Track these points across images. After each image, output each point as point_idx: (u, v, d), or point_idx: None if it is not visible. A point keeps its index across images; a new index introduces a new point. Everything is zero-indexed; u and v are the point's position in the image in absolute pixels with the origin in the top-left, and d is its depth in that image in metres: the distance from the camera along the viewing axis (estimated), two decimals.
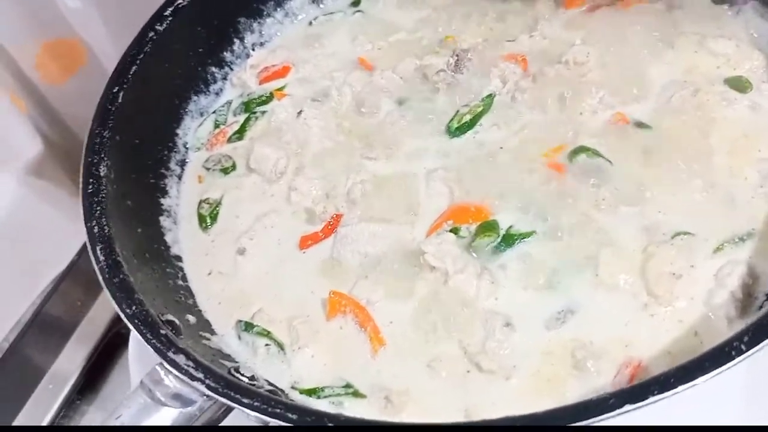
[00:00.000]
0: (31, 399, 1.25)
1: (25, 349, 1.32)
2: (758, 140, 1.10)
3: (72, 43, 1.50)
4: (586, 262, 1.01)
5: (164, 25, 1.23)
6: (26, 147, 1.38)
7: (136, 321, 0.88)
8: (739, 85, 1.17)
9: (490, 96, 1.21)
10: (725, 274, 0.97)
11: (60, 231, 1.27)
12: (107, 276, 0.93)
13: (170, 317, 0.94)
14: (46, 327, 1.35)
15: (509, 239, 1.04)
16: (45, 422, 1.24)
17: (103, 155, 1.07)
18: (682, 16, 1.30)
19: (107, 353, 1.37)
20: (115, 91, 1.14)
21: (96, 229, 0.99)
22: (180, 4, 1.25)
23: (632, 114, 1.15)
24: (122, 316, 0.89)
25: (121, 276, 0.94)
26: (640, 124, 1.14)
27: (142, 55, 1.19)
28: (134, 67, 1.17)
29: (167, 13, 1.24)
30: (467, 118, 1.19)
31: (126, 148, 1.12)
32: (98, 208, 1.01)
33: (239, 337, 1.02)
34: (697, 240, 1.01)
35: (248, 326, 1.01)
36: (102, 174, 1.05)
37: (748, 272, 0.96)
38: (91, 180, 1.04)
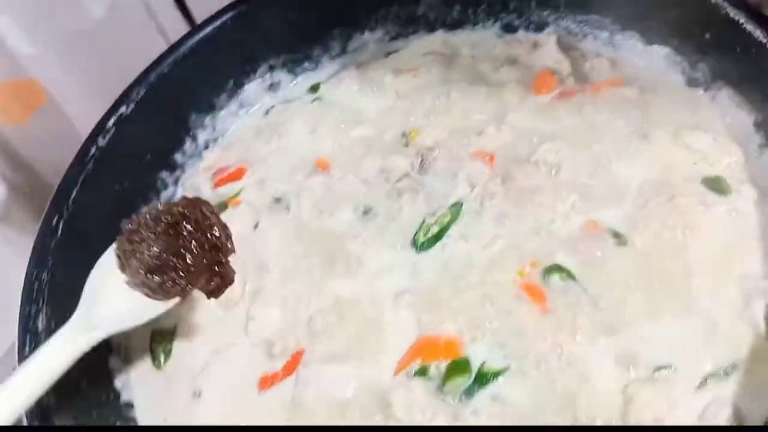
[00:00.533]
0: None
1: None
2: (740, 251, 1.05)
3: (29, 83, 1.44)
4: (564, 405, 0.95)
5: (107, 138, 1.14)
6: None
7: None
8: (718, 187, 1.11)
9: (458, 204, 1.14)
10: (711, 416, 0.91)
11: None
12: None
13: None
14: None
15: (482, 378, 0.98)
16: None
17: (41, 303, 0.99)
18: (655, 101, 1.24)
19: None
20: (53, 223, 1.05)
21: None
22: (123, 113, 1.16)
23: (606, 221, 1.10)
24: None
25: None
26: (615, 235, 1.08)
27: (82, 177, 1.10)
28: (74, 193, 1.09)
29: (109, 124, 1.15)
30: (434, 229, 1.13)
31: (66, 286, 1.03)
32: None
33: None
34: (679, 375, 0.96)
35: None
36: (40, 328, 0.97)
37: (734, 415, 0.91)
38: (28, 336, 0.96)
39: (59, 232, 1.06)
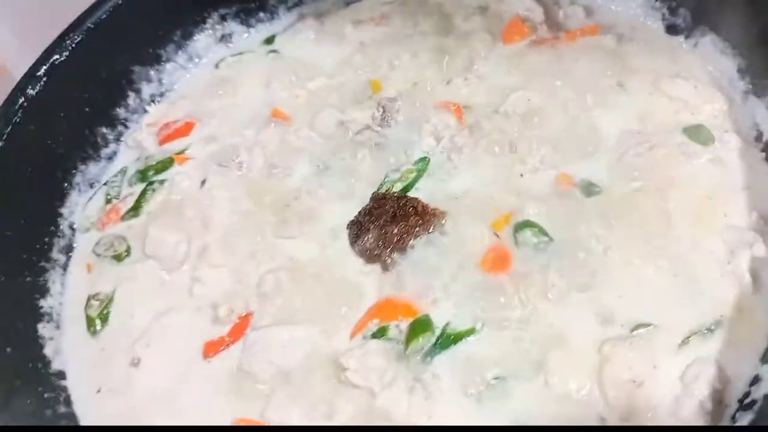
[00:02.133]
0: None
1: None
2: (723, 202, 0.98)
3: None
4: (534, 368, 0.87)
5: (37, 87, 1.04)
6: None
7: None
8: (700, 136, 1.03)
9: (424, 159, 1.06)
10: (693, 377, 0.84)
11: None
12: None
13: None
14: None
15: (446, 340, 0.89)
16: None
17: None
18: (633, 50, 1.16)
19: None
20: None
21: None
22: (56, 60, 1.06)
23: (580, 174, 1.02)
24: None
25: None
26: (589, 187, 0.99)
27: (9, 128, 1.00)
28: (0, 143, 0.98)
29: (41, 72, 1.05)
30: (398, 186, 1.03)
31: None
32: None
33: None
34: (660, 332, 0.88)
35: None
36: None
37: (718, 375, 0.83)
38: None
39: None
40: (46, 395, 0.92)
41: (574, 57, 1.16)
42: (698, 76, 1.11)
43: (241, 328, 0.95)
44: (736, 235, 0.94)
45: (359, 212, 0.99)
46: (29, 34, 1.33)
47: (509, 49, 1.20)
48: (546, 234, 0.95)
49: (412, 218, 0.97)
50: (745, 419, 0.79)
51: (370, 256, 0.96)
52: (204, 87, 1.25)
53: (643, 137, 1.04)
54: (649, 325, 0.88)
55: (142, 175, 1.13)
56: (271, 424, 0.86)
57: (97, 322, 1.00)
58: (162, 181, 1.11)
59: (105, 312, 1.01)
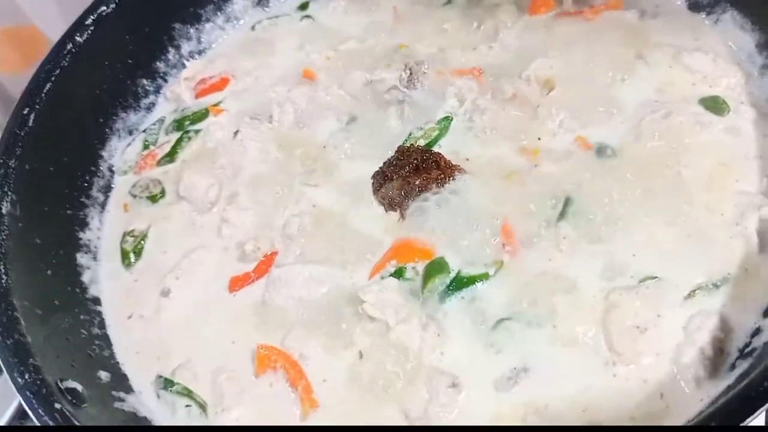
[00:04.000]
0: None
1: None
2: (735, 169, 1.01)
3: (30, 30, 1.42)
4: (543, 312, 0.91)
5: (85, 35, 1.11)
6: None
7: (28, 393, 0.77)
8: (715, 106, 1.07)
9: (447, 118, 1.10)
10: (695, 327, 0.87)
11: None
12: (2, 338, 0.82)
13: (72, 384, 0.83)
14: None
15: (460, 282, 0.93)
16: None
17: (6, 189, 0.96)
18: (656, 25, 1.19)
19: None
20: (25, 113, 1.02)
21: None
22: (104, 11, 1.13)
23: (595, 138, 1.05)
24: (12, 385, 0.78)
25: (16, 336, 0.83)
26: (604, 150, 1.03)
27: (57, 71, 1.07)
28: (48, 85, 1.06)
29: (88, 21, 1.12)
30: (421, 142, 1.08)
31: (38, 177, 1.01)
32: None
33: (158, 396, 0.91)
34: (667, 286, 0.91)
35: (168, 383, 0.91)
36: (4, 212, 0.93)
37: (720, 325, 0.87)
38: None
39: (30, 122, 1.01)
40: (81, 317, 0.97)
41: (597, 30, 1.19)
42: (718, 51, 1.14)
43: (265, 265, 1.00)
44: (746, 199, 0.97)
45: (384, 163, 1.04)
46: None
47: (534, 20, 1.24)
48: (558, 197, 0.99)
49: (434, 171, 1.01)
50: (743, 366, 0.82)
51: (392, 204, 1.01)
52: (240, 47, 1.31)
53: (661, 105, 1.07)
54: (656, 278, 0.91)
55: (179, 124, 1.19)
56: (288, 352, 0.90)
57: (132, 255, 1.06)
58: (197, 131, 1.17)
59: (139, 247, 1.06)
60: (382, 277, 0.96)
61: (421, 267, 0.96)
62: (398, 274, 0.95)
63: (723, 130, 1.04)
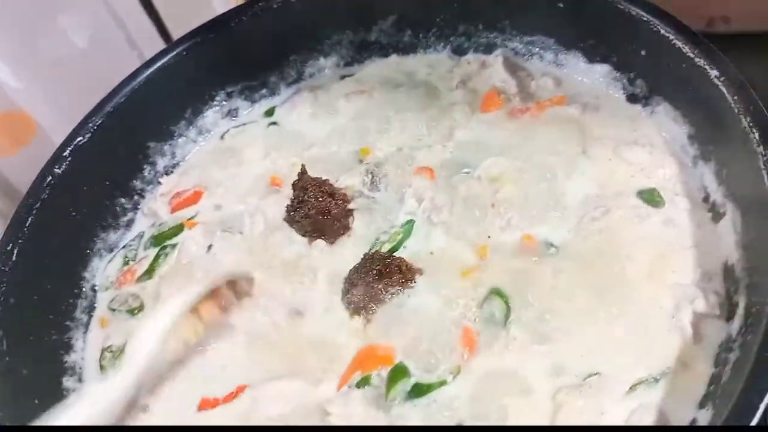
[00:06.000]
0: None
1: None
2: (672, 260, 1.08)
3: (20, 116, 1.49)
4: (498, 413, 0.98)
5: (63, 166, 1.19)
6: None
7: None
8: (652, 199, 1.14)
9: (410, 222, 1.18)
10: (635, 422, 0.94)
11: None
12: None
13: None
14: None
15: (420, 390, 1.01)
16: None
17: None
18: (596, 118, 1.28)
19: None
20: (8, 248, 1.09)
21: None
22: (80, 141, 1.21)
23: (541, 236, 1.13)
24: None
25: None
26: (548, 248, 1.11)
27: (38, 204, 1.15)
28: (30, 218, 1.13)
29: (66, 153, 1.20)
30: (386, 246, 1.16)
31: (23, 309, 1.08)
32: None
33: None
34: (609, 381, 0.98)
35: None
36: None
37: (659, 419, 0.93)
38: None
39: (13, 257, 1.09)
40: None
41: (543, 126, 1.28)
42: (654, 142, 1.22)
43: (235, 394, 1.06)
44: (681, 291, 1.04)
45: (350, 270, 1.11)
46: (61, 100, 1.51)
47: (486, 118, 1.32)
48: (507, 297, 1.06)
49: (395, 275, 1.09)
50: None
51: (356, 308, 1.08)
52: (211, 158, 1.39)
53: (601, 200, 1.15)
54: (599, 374, 0.98)
55: (156, 240, 1.26)
56: None
57: (108, 371, 1.12)
58: (174, 246, 1.25)
59: (116, 362, 1.13)
60: (350, 387, 1.02)
61: (384, 373, 1.02)
62: (364, 382, 1.02)
63: (660, 222, 1.12)
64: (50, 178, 1.18)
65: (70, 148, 1.20)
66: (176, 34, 1.56)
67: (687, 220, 1.11)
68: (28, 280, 1.11)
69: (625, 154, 1.20)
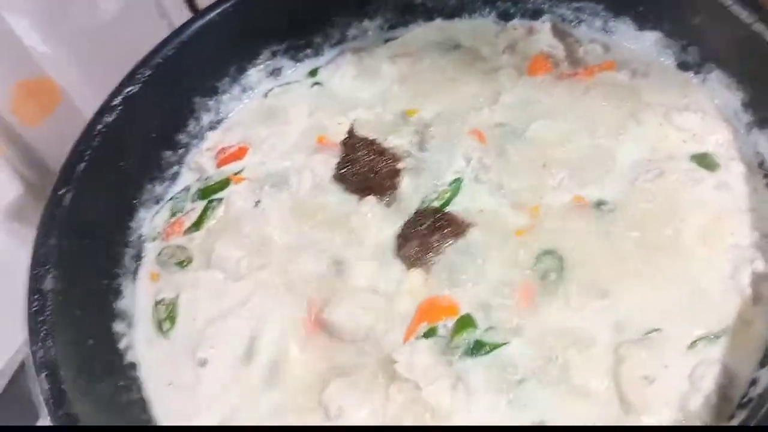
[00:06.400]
0: None
1: None
2: (729, 223, 1.08)
3: (46, 82, 1.46)
4: (559, 369, 0.98)
5: (113, 115, 1.18)
6: (6, 190, 1.36)
7: None
8: (706, 163, 1.14)
9: (458, 180, 1.18)
10: (699, 375, 0.95)
11: None
12: (53, 410, 0.90)
13: None
14: None
15: (482, 345, 1.01)
16: None
17: (48, 267, 1.02)
18: (646, 85, 1.27)
19: None
20: (61, 193, 1.08)
21: (41, 354, 0.95)
22: (130, 91, 1.20)
23: (593, 197, 1.13)
24: None
25: (65, 407, 0.90)
26: (602, 207, 1.11)
27: (89, 152, 1.13)
28: (82, 165, 1.12)
29: (116, 102, 1.18)
30: (436, 204, 1.16)
31: (75, 253, 1.07)
32: (44, 328, 0.97)
33: None
34: (670, 337, 0.99)
35: None
36: (48, 288, 1.00)
37: (723, 372, 0.94)
38: (36, 297, 0.99)
39: (66, 202, 1.08)
40: (120, 383, 1.04)
41: (592, 90, 1.27)
42: (706, 109, 1.21)
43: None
44: (739, 252, 1.04)
45: (403, 225, 1.11)
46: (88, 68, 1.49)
47: (533, 82, 1.31)
48: (562, 257, 1.06)
49: (446, 229, 1.09)
50: (740, 416, 0.89)
51: (413, 262, 1.08)
52: (255, 115, 1.38)
53: (653, 164, 1.15)
54: (660, 330, 0.98)
55: (203, 193, 1.25)
56: (327, 409, 0.97)
57: (166, 323, 1.12)
58: (220, 200, 1.24)
59: (172, 315, 1.12)
60: (416, 338, 1.02)
61: (450, 324, 1.03)
62: (430, 333, 1.02)
63: (715, 186, 1.12)
64: (100, 126, 1.16)
65: (119, 98, 1.19)
66: (203, 4, 1.54)
67: (742, 185, 1.12)
68: (78, 225, 1.10)
69: (677, 119, 1.20)
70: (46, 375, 0.93)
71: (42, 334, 0.96)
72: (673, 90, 1.26)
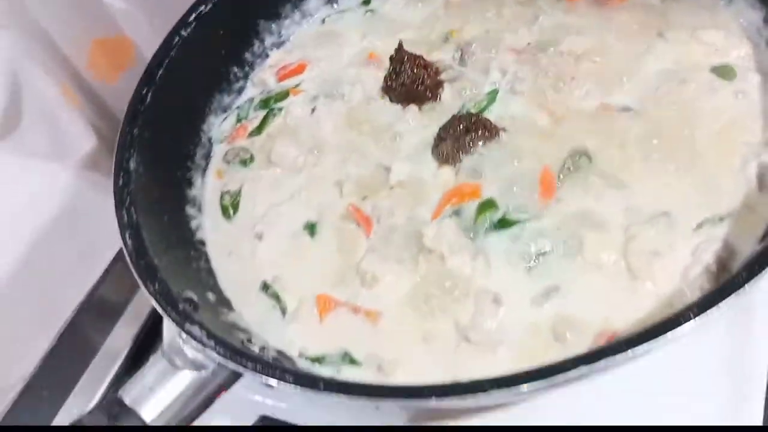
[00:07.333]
0: (85, 374, 1.35)
1: (81, 328, 1.44)
2: (742, 125, 1.16)
3: (121, 41, 1.62)
4: (574, 245, 1.08)
5: (188, 30, 1.33)
6: (81, 142, 1.49)
7: (158, 297, 0.99)
8: (725, 73, 1.22)
9: (494, 91, 1.29)
10: (701, 250, 1.03)
11: (113, 218, 1.37)
12: (134, 259, 1.05)
13: (190, 295, 1.05)
14: (100, 307, 1.47)
15: (505, 222, 1.12)
16: (98, 394, 1.34)
17: (132, 151, 1.19)
18: (676, 7, 1.35)
19: (153, 332, 1.39)
20: (144, 92, 1.25)
21: (125, 218, 1.10)
22: (202, 11, 1.35)
23: (618, 103, 1.23)
24: (146, 293, 1.00)
25: (146, 259, 1.05)
26: (625, 111, 1.20)
27: (168, 59, 1.29)
28: (161, 71, 1.28)
29: (191, 19, 1.34)
30: (472, 111, 1.27)
31: (154, 144, 1.23)
32: (128, 198, 1.13)
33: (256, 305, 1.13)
34: (678, 220, 1.07)
35: (266, 287, 1.15)
36: (132, 168, 1.16)
37: (724, 247, 1.02)
38: (122, 173, 1.15)
39: (147, 98, 1.25)
40: (191, 253, 1.20)
41: (624, 11, 1.37)
42: (730, 28, 1.29)
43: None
44: (749, 149, 1.13)
45: (440, 128, 1.24)
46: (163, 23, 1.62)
47: (570, 6, 1.41)
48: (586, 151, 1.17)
49: (480, 131, 1.21)
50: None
51: (446, 159, 1.20)
52: (313, 38, 1.52)
53: (676, 74, 1.24)
54: (669, 214, 1.08)
55: (265, 103, 1.41)
56: (366, 273, 1.11)
57: (230, 210, 1.28)
58: (280, 109, 1.39)
59: (235, 203, 1.28)
60: (443, 217, 1.15)
61: (474, 205, 1.15)
62: (455, 213, 1.14)
63: (732, 94, 1.20)
64: (177, 38, 1.32)
65: (193, 15, 1.35)
66: None
67: (758, 93, 1.19)
68: (158, 121, 1.26)
69: (702, 36, 1.28)
70: (129, 233, 1.09)
71: (126, 203, 1.13)
72: (700, 12, 1.34)
